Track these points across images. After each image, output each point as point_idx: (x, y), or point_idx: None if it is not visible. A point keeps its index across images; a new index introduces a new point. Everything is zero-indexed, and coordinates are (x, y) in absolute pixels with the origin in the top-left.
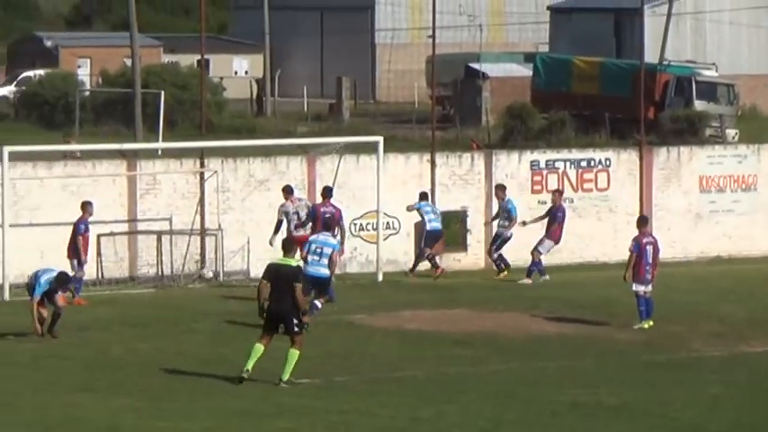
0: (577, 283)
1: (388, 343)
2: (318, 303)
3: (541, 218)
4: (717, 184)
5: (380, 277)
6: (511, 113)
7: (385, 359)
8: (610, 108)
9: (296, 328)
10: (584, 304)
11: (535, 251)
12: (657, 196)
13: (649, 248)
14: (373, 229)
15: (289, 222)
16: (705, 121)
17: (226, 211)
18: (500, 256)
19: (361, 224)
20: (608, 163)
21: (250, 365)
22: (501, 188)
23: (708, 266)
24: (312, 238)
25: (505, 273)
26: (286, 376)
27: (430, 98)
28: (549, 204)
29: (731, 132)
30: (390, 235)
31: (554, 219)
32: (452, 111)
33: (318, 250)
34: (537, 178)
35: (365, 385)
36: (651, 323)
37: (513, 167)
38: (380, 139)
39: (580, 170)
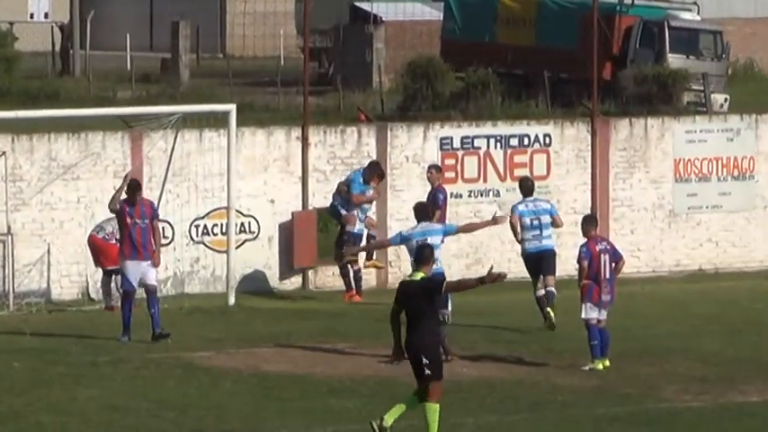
0: (502, 307)
1: (242, 391)
2: None
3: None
4: (699, 171)
5: (232, 299)
6: (413, 72)
7: (236, 414)
8: (550, 64)
9: (427, 371)
10: (512, 337)
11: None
12: (616, 187)
13: (605, 258)
14: (222, 234)
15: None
16: (682, 82)
17: (18, 207)
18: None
19: (205, 226)
20: (548, 141)
21: (388, 419)
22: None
23: (685, 284)
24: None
25: None
26: None
27: (301, 51)
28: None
29: (719, 98)
30: (246, 241)
31: (435, 203)
32: (332, 68)
33: None
34: (449, 161)
35: None
36: (607, 363)
37: (415, 147)
38: (232, 107)
39: (509, 151)
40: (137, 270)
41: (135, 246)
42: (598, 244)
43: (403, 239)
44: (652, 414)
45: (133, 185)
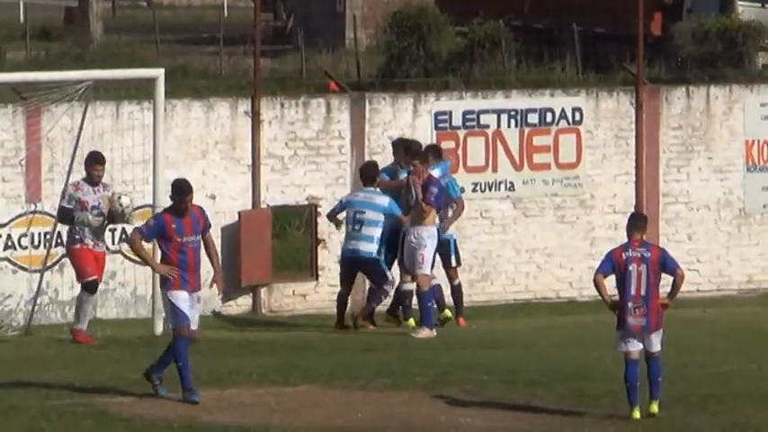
0: (519, 337)
1: None
2: None
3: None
4: None
5: (159, 327)
6: (399, 26)
7: None
8: (581, 15)
9: None
10: (532, 377)
11: (419, 272)
12: (669, 179)
13: (637, 269)
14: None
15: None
16: (757, 38)
17: None
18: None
19: (124, 230)
20: (578, 117)
21: None
22: (435, 151)
23: (760, 306)
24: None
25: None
26: None
27: None
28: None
29: None
30: None
31: (431, 198)
32: (291, 21)
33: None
34: (448, 144)
35: None
36: (655, 408)
37: (403, 124)
38: (160, 72)
39: (527, 130)
40: (192, 305)
41: (187, 271)
42: (628, 250)
43: (342, 206)
44: None
45: (182, 187)
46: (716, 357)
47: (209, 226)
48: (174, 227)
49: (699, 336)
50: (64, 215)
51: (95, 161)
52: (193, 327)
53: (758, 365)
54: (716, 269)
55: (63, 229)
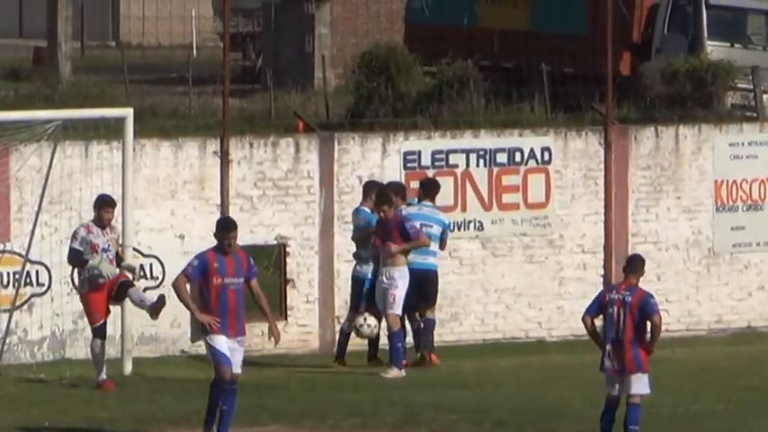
0: (488, 377)
1: None
2: None
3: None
4: (747, 196)
5: (129, 367)
6: (368, 66)
7: None
8: (550, 55)
9: None
10: (501, 417)
11: (390, 312)
12: (638, 218)
13: (613, 312)
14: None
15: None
16: (725, 78)
17: None
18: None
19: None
20: (547, 157)
21: None
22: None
23: (729, 346)
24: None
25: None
26: None
27: (220, 38)
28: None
29: None
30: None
31: (405, 235)
32: (260, 61)
33: None
34: (416, 184)
35: None
36: None
37: (372, 164)
38: (129, 112)
39: (495, 170)
40: (233, 349)
41: (226, 315)
42: (612, 291)
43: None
44: None
45: (225, 224)
46: (685, 397)
47: (255, 273)
48: (216, 265)
49: (668, 376)
50: (76, 257)
51: (106, 204)
52: (236, 370)
53: (725, 405)
54: (685, 309)
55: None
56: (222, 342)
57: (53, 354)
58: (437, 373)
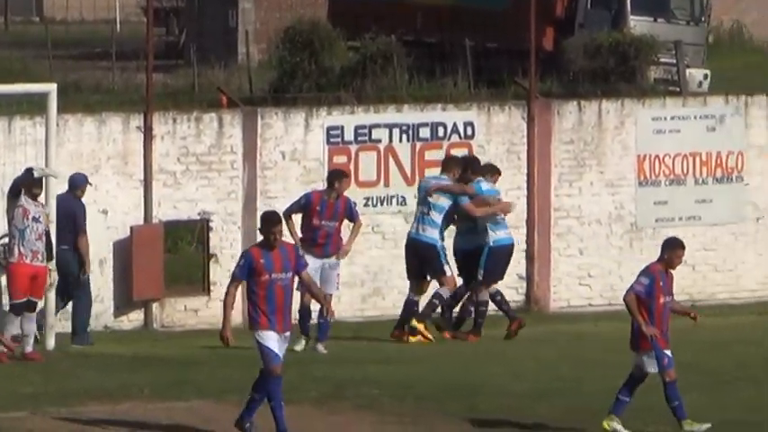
0: (410, 352)
1: None
2: None
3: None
4: (670, 171)
5: (51, 342)
6: (292, 41)
7: None
8: (473, 30)
9: None
10: (423, 392)
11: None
12: (560, 193)
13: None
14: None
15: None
16: (648, 53)
17: None
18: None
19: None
20: (470, 131)
21: None
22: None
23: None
24: None
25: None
26: None
27: (143, 13)
28: (324, 196)
29: (696, 75)
30: None
31: (353, 214)
32: (184, 36)
33: None
34: (339, 159)
35: None
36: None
37: (295, 139)
38: (52, 87)
39: (419, 145)
40: (281, 345)
41: (274, 311)
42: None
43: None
44: None
45: (270, 218)
46: (610, 371)
47: (304, 265)
48: (262, 261)
49: (592, 350)
50: (12, 188)
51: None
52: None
53: (648, 380)
54: (607, 283)
55: None
56: (272, 339)
57: None
58: (360, 349)
